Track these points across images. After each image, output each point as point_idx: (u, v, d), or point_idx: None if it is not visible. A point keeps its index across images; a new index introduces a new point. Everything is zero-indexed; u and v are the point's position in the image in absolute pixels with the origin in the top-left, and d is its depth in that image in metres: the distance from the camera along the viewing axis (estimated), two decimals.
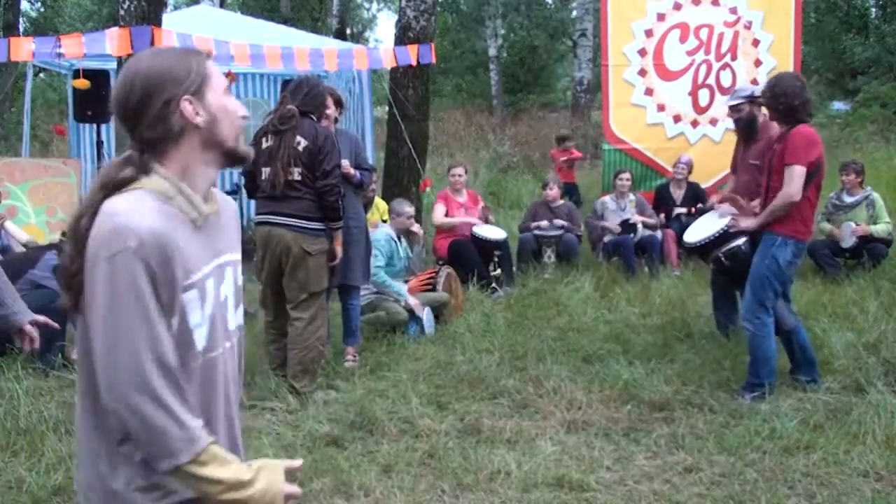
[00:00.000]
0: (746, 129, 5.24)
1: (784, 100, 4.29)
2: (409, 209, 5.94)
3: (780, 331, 4.48)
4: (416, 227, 6.29)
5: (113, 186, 1.39)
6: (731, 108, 5.34)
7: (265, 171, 4.40)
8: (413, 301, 5.59)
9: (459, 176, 7.48)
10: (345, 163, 4.66)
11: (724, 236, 4.72)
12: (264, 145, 4.42)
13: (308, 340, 4.43)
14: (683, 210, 7.79)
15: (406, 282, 5.93)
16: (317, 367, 4.55)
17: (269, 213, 4.41)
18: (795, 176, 4.20)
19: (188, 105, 1.43)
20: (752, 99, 5.22)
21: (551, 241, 7.50)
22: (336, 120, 4.87)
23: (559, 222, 7.62)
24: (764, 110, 5.25)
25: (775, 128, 5.10)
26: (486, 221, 7.53)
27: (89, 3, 26.05)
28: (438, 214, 7.31)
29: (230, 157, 1.51)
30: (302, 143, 4.33)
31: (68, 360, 4.73)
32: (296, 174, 4.33)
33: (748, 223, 4.48)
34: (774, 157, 4.36)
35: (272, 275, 4.49)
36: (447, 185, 7.65)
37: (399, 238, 5.82)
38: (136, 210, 1.35)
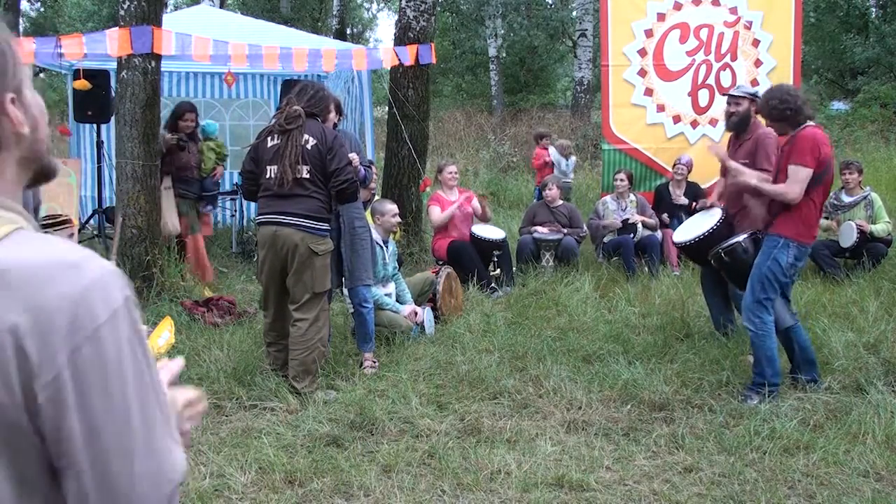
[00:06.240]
0: (739, 125, 5.21)
1: (784, 106, 4.29)
2: (392, 206, 5.70)
3: (777, 330, 4.48)
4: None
5: None
6: (731, 98, 5.27)
7: (270, 170, 4.40)
8: (408, 311, 5.54)
9: (454, 174, 7.52)
10: (354, 156, 4.68)
11: (717, 235, 4.73)
12: (269, 144, 4.43)
13: (311, 341, 4.44)
14: (685, 201, 7.77)
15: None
16: (318, 367, 4.55)
17: (274, 213, 4.39)
18: (800, 178, 4.21)
19: (13, 107, 1.00)
20: (753, 98, 5.20)
21: (550, 244, 7.49)
22: (335, 125, 4.89)
23: (559, 230, 7.60)
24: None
25: (763, 128, 5.10)
26: (485, 213, 7.53)
27: (89, 3, 26.06)
28: (435, 215, 7.31)
29: (43, 177, 1.08)
30: (311, 141, 4.35)
31: None
32: (304, 172, 4.34)
33: (747, 176, 4.51)
34: (782, 158, 4.38)
35: (274, 275, 4.49)
36: (438, 186, 7.62)
37: (385, 243, 5.59)
38: (74, 248, 0.95)
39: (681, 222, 7.27)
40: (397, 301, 5.63)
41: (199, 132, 7.25)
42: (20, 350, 0.86)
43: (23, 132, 1.00)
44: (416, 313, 5.56)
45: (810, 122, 4.33)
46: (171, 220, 6.74)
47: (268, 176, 4.42)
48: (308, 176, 4.35)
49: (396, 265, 5.77)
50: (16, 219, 0.96)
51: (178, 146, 6.78)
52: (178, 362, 1.23)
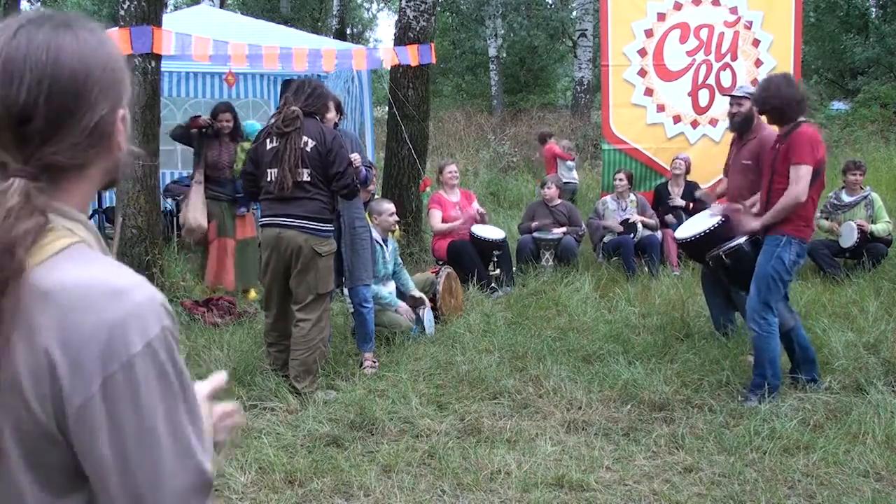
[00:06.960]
0: (742, 125, 5.20)
1: (778, 100, 4.29)
2: (390, 206, 5.69)
3: (780, 331, 4.48)
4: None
5: (17, 244, 0.89)
6: (734, 99, 5.27)
7: (271, 173, 4.39)
8: (407, 309, 5.54)
9: (455, 174, 7.51)
10: (356, 157, 4.67)
11: (719, 233, 4.73)
12: (268, 146, 4.42)
13: (313, 341, 4.44)
14: (681, 203, 7.77)
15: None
16: (318, 367, 4.55)
17: (277, 216, 4.40)
18: (802, 175, 4.20)
19: (122, 123, 1.00)
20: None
21: (550, 244, 7.49)
22: (336, 125, 4.88)
23: (559, 230, 7.59)
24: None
25: (767, 129, 5.09)
26: (483, 222, 7.52)
27: (89, 3, 26.03)
28: (436, 221, 7.31)
29: (111, 184, 1.08)
30: (310, 143, 4.34)
31: None
32: (304, 175, 4.33)
33: (753, 224, 4.48)
34: (777, 158, 4.34)
35: (278, 277, 4.49)
36: (439, 186, 7.62)
37: (385, 241, 5.60)
38: (121, 273, 0.95)
39: (681, 222, 7.28)
40: (400, 291, 5.67)
41: (243, 132, 7.04)
42: (53, 372, 0.87)
43: (124, 148, 1.01)
44: (414, 298, 5.57)
45: (803, 119, 4.33)
46: (193, 214, 6.44)
47: (268, 179, 4.41)
48: (308, 179, 4.34)
49: (397, 262, 5.78)
50: (76, 229, 0.97)
51: (205, 132, 6.62)
52: (221, 377, 1.25)
